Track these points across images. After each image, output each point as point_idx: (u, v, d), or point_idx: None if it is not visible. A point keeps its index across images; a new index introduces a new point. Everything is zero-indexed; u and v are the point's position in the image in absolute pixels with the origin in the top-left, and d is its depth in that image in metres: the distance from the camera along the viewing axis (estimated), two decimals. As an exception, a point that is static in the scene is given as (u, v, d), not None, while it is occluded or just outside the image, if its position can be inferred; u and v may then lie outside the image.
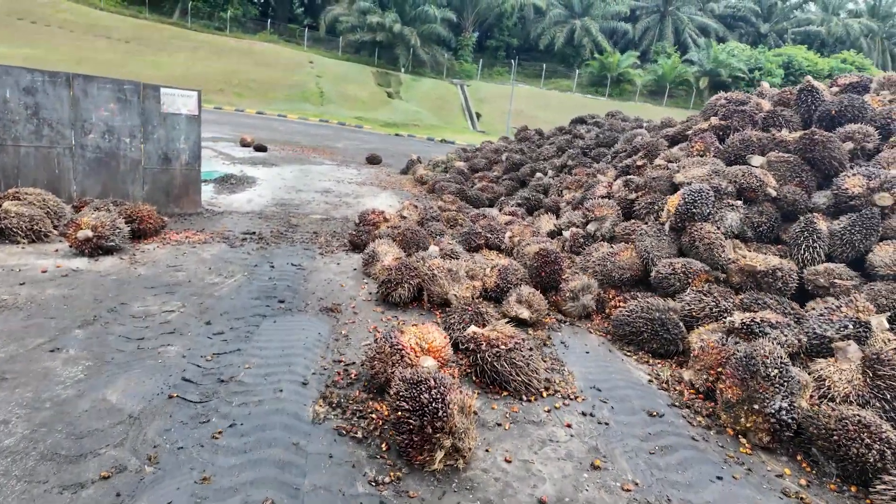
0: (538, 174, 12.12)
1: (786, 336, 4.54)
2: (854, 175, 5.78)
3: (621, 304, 5.86)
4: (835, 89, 7.73)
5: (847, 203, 5.76)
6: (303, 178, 13.49)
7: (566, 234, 7.40)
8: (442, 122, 39.75)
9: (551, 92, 47.25)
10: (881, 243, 5.35)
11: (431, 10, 43.62)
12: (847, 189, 5.75)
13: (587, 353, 5.20)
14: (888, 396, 3.80)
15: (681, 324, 5.22)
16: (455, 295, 5.77)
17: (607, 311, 6.01)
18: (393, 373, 3.71)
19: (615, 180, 8.71)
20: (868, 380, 3.94)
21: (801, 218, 5.75)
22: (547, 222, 8.56)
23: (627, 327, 5.38)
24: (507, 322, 4.99)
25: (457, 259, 6.71)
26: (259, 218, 9.14)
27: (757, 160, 6.65)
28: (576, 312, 6.03)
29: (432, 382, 3.25)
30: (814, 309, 5.05)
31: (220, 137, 18.81)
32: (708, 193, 5.99)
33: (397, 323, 5.35)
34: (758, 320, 4.62)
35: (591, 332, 5.78)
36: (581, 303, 6.01)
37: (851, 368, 4.09)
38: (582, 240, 7.19)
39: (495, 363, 4.11)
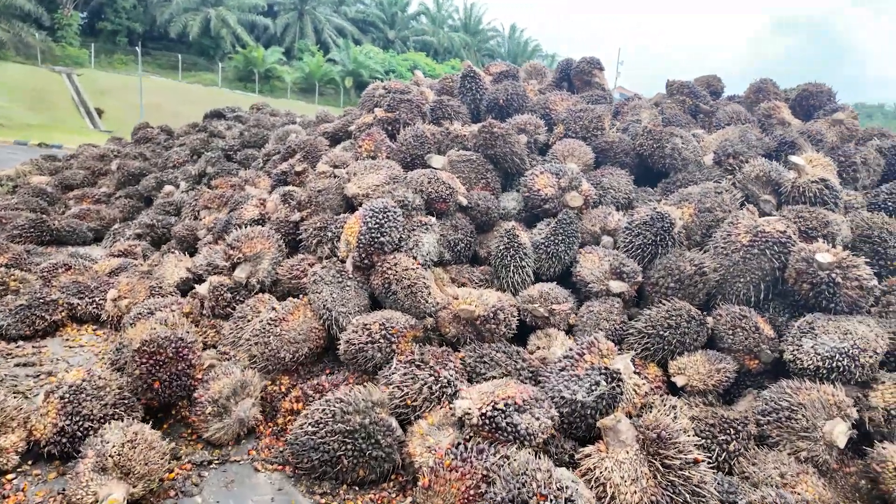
0: (168, 187, 8.85)
1: (538, 419, 3.13)
2: (542, 173, 4.95)
3: (301, 403, 3.66)
4: (488, 78, 7.15)
5: (541, 207, 4.89)
6: None
7: (202, 288, 4.75)
8: (45, 119, 29.79)
9: (193, 86, 41.32)
10: (583, 251, 4.59)
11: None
12: (539, 191, 4.87)
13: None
14: (689, 501, 2.68)
15: (394, 424, 3.36)
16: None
17: (281, 419, 3.73)
18: None
19: (271, 193, 6.42)
20: (659, 476, 2.76)
21: (502, 231, 4.61)
22: (176, 266, 5.67)
23: (315, 453, 3.24)
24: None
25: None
26: None
27: (438, 160, 5.34)
28: (228, 436, 3.57)
29: None
30: (545, 359, 3.88)
31: None
32: (395, 212, 4.29)
33: None
34: (501, 406, 3.08)
35: (258, 469, 3.42)
36: (236, 417, 3.57)
37: (631, 458, 2.88)
38: (229, 294, 4.68)
39: None
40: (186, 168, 9.17)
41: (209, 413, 3.54)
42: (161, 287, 5.29)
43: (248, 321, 4.22)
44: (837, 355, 3.38)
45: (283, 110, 12.14)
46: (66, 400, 3.29)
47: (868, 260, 3.84)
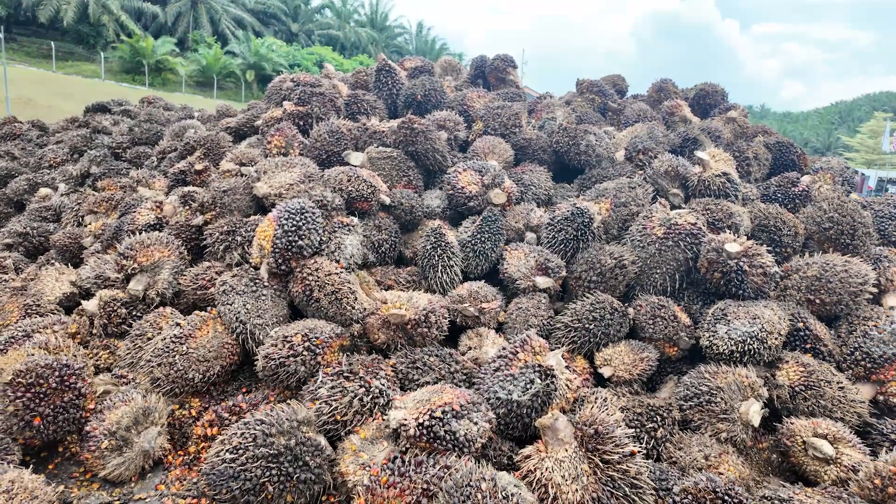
0: (44, 190, 7.78)
1: (476, 424, 3.03)
2: (465, 171, 4.86)
3: (216, 427, 3.30)
4: (403, 73, 6.98)
5: (466, 204, 4.81)
6: None
7: (90, 304, 4.18)
8: None
9: (71, 77, 37.16)
10: (509, 248, 4.57)
11: None
12: (464, 188, 4.78)
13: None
14: (629, 494, 2.69)
15: (322, 442, 3.11)
16: None
17: (193, 447, 3.34)
18: None
19: (168, 194, 5.83)
20: (598, 472, 2.76)
21: (428, 230, 4.47)
22: (57, 280, 4.96)
23: (235, 482, 2.92)
24: None
25: None
26: None
27: (356, 157, 5.09)
28: (131, 471, 3.13)
29: None
30: (477, 359, 3.79)
31: None
32: (314, 213, 4.00)
33: None
34: (438, 415, 2.94)
35: (168, 506, 3.04)
36: (139, 449, 3.15)
37: (570, 456, 2.85)
38: (124, 310, 4.15)
39: None
40: (66, 168, 8.13)
41: (105, 448, 3.09)
42: (39, 305, 4.59)
43: (149, 339, 3.75)
44: (749, 339, 3.59)
45: (178, 105, 11.16)
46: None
47: (767, 248, 4.14)
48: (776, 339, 3.64)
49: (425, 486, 2.71)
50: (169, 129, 8.04)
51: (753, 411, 3.35)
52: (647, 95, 7.33)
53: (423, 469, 2.78)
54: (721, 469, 3.23)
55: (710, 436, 3.44)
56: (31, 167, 8.66)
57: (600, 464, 2.77)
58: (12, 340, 3.96)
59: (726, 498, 2.67)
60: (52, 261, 5.69)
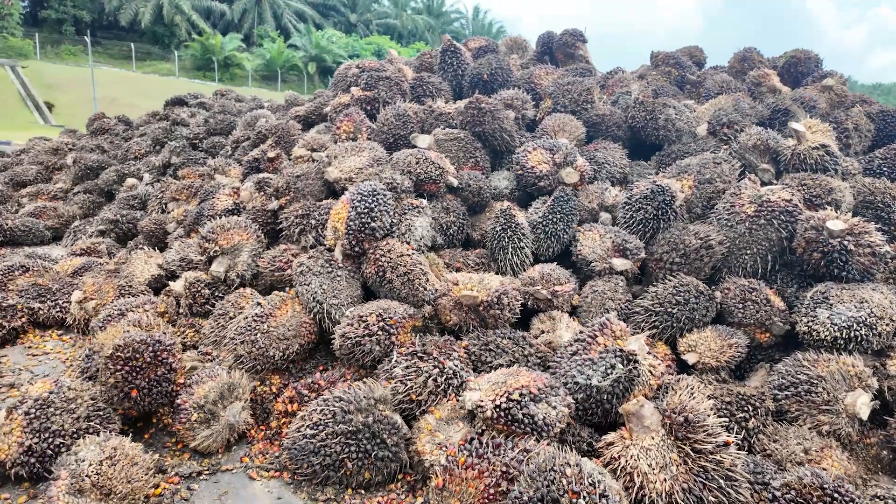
0: (130, 180, 8.31)
1: (555, 408, 2.94)
2: (535, 150, 4.72)
3: (295, 404, 3.38)
4: (468, 53, 6.85)
5: (536, 185, 4.67)
6: None
7: (177, 285, 4.39)
8: (-11, 116, 28.10)
9: (149, 76, 39.52)
10: (582, 229, 4.41)
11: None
12: (534, 168, 4.64)
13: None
14: (724, 486, 2.52)
15: (399, 421, 3.12)
16: None
17: (274, 422, 3.45)
18: None
19: (243, 182, 6.03)
20: (689, 462, 2.60)
21: (497, 211, 4.37)
22: (146, 263, 5.27)
23: (316, 457, 2.98)
24: None
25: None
26: None
27: (423, 140, 5.06)
28: (218, 443, 3.27)
29: None
30: (551, 343, 3.69)
31: None
32: (385, 195, 4.00)
33: None
34: (516, 397, 2.87)
35: (254, 477, 3.15)
36: (225, 422, 3.28)
37: (657, 444, 2.71)
38: (207, 290, 4.34)
39: None
40: (149, 159, 8.62)
41: (195, 420, 3.23)
42: (131, 286, 4.89)
43: (231, 318, 3.89)
44: (855, 325, 3.27)
45: (248, 96, 11.59)
46: (33, 415, 2.94)
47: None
48: (887, 325, 3.30)
49: (504, 468, 2.65)
50: (241, 120, 8.33)
51: (861, 403, 3.07)
52: (729, 66, 6.83)
53: (502, 452, 2.73)
54: (823, 464, 2.98)
55: (809, 428, 3.18)
56: (118, 159, 9.24)
57: (691, 453, 2.61)
58: (109, 318, 4.24)
59: (835, 495, 2.45)
60: (141, 245, 6.05)
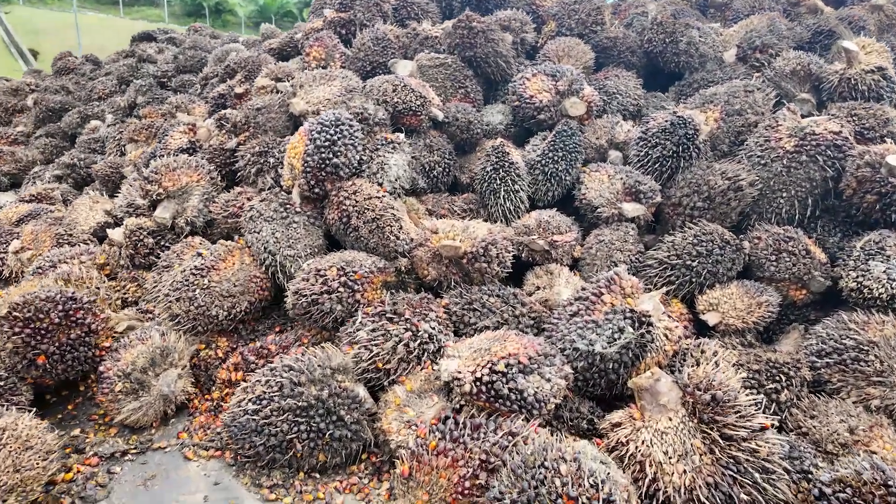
0: (93, 122, 7.61)
1: (549, 380, 2.39)
2: (534, 76, 4.02)
3: (241, 372, 2.85)
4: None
5: (535, 117, 4.00)
6: None
7: (116, 233, 3.80)
8: (-34, 63, 26.90)
9: (138, 23, 37.50)
10: (588, 170, 3.77)
11: None
12: (532, 97, 3.95)
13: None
14: (759, 482, 1.99)
15: (361, 393, 2.59)
16: None
17: (217, 392, 2.92)
18: None
19: (206, 120, 5.35)
20: (717, 451, 2.06)
21: (488, 149, 3.73)
22: (91, 209, 4.66)
23: (259, 437, 2.46)
24: None
25: None
26: None
27: (405, 66, 4.35)
28: (150, 416, 2.76)
29: None
30: (547, 301, 3.11)
31: None
32: (351, 126, 3.34)
33: None
34: (501, 368, 2.32)
35: (189, 457, 2.64)
36: (157, 393, 2.76)
37: (676, 427, 2.17)
38: (150, 239, 3.74)
39: None
40: (114, 99, 7.87)
41: (119, 390, 2.71)
42: (71, 234, 4.30)
43: (169, 272, 3.31)
44: (919, 281, 2.69)
45: (227, 35, 10.66)
46: None
47: (942, 163, 3.11)
48: (958, 281, 2.71)
49: (484, 456, 2.13)
50: (212, 55, 7.54)
51: (924, 376, 2.52)
52: (760, -13, 5.98)
53: (482, 435, 2.20)
54: (873, 446, 2.46)
55: (854, 402, 2.66)
56: (84, 100, 8.50)
57: (719, 440, 2.07)
58: (39, 271, 3.68)
59: (904, 495, 1.92)
60: (97, 190, 5.44)
